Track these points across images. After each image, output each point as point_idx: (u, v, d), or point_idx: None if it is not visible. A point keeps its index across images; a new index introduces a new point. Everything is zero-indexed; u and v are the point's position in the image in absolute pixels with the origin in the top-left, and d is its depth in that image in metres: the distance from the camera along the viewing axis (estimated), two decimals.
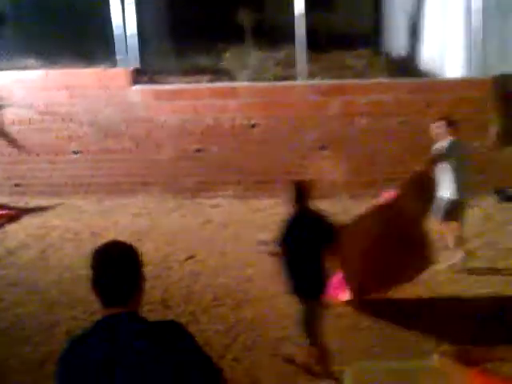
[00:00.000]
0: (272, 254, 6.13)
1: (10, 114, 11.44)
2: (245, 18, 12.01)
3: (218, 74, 11.93)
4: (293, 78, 11.52)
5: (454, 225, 8.27)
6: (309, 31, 11.21)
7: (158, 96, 11.36)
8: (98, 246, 2.85)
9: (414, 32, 13.19)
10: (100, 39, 11.90)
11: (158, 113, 11.30)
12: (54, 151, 11.46)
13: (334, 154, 10.74)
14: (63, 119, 11.41)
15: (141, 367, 2.69)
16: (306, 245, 5.90)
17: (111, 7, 11.41)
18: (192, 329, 5.77)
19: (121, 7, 11.42)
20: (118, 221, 10.22)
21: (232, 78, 11.79)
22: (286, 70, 11.72)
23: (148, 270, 7.28)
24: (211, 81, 11.75)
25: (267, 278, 7.73)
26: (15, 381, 6.10)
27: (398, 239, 7.22)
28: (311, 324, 5.94)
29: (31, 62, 11.95)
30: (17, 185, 11.60)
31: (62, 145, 11.42)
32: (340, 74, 11.51)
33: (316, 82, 11.35)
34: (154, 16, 11.91)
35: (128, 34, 11.57)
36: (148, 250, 8.83)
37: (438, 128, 8.11)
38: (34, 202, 11.14)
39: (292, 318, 6.21)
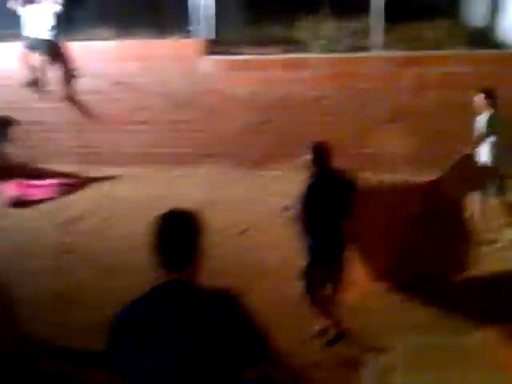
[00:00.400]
0: (294, 220, 6.07)
1: (83, 84, 11.51)
2: None
3: (291, 44, 11.67)
4: (367, 49, 11.17)
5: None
6: (385, 1, 10.84)
7: (230, 67, 11.26)
8: (162, 213, 2.88)
9: (495, 1, 12.55)
10: (175, 10, 11.86)
11: (229, 84, 11.19)
12: (123, 121, 11.51)
13: (404, 128, 10.33)
14: (134, 89, 11.44)
15: (188, 334, 2.72)
16: (330, 206, 5.92)
17: None
18: (245, 299, 5.50)
19: None
20: (181, 191, 10.15)
21: (305, 48, 11.52)
22: (361, 41, 11.34)
23: (209, 240, 7.08)
24: (284, 52, 11.52)
25: None
26: (70, 344, 6.14)
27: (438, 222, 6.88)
28: (313, 280, 6.13)
29: (105, 32, 12.00)
30: (86, 153, 11.74)
31: (132, 114, 11.49)
32: (416, 45, 11.04)
33: (390, 53, 10.95)
34: None
35: (203, 4, 11.47)
36: (209, 221, 8.72)
37: (477, 101, 8.07)
38: (101, 171, 11.22)
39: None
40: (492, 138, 7.97)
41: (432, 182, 7.22)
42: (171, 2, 11.87)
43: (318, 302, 6.25)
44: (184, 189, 10.33)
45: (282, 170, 10.55)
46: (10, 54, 11.49)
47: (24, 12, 11.29)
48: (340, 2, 11.29)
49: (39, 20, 11.16)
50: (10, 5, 11.17)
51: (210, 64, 11.26)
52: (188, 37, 11.57)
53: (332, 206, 5.96)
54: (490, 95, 8.00)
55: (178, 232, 2.85)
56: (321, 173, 6.01)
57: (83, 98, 11.53)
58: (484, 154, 8.06)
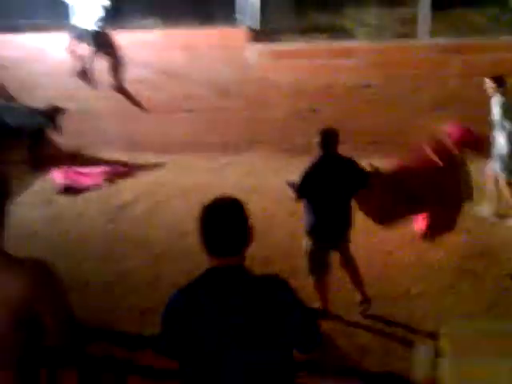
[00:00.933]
0: (297, 199, 6.36)
1: (130, 73, 11.65)
2: None
3: (336, 32, 11.64)
4: (413, 36, 11.08)
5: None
6: None
7: (274, 55, 11.26)
8: (209, 201, 2.94)
9: None
10: None
11: (273, 72, 11.18)
12: (168, 109, 11.61)
13: (451, 115, 10.24)
14: (180, 78, 11.52)
15: (243, 319, 2.79)
16: (333, 189, 6.17)
17: None
18: (292, 284, 5.59)
19: None
20: (227, 178, 10.24)
21: (350, 36, 11.48)
22: (407, 29, 11.25)
23: (255, 227, 7.13)
24: (329, 40, 11.50)
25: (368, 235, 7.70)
26: (120, 329, 6.27)
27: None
28: (316, 260, 6.43)
29: (153, 22, 12.09)
30: (132, 141, 11.86)
31: (177, 103, 11.56)
32: (464, 32, 10.93)
33: (438, 40, 10.85)
34: None
35: None
36: (254, 208, 8.77)
37: (487, 85, 8.29)
38: (147, 159, 11.33)
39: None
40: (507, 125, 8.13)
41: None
42: None
43: (321, 285, 6.55)
44: (230, 176, 10.42)
45: None
46: (58, 44, 11.64)
47: (72, 2, 11.47)
48: None
49: (87, 10, 11.33)
50: None
51: (256, 52, 11.27)
52: (233, 25, 11.59)
53: (332, 190, 6.18)
54: (499, 81, 8.18)
55: (229, 219, 2.88)
56: (324, 157, 6.26)
57: (131, 87, 11.67)
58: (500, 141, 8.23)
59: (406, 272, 7.39)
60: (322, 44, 11.40)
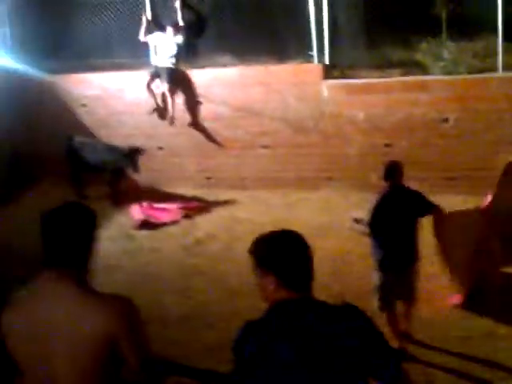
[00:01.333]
0: (365, 234, 6.46)
1: (206, 110, 11.86)
2: (441, 8, 11.53)
3: (410, 67, 11.58)
4: (490, 70, 10.93)
5: None
6: (508, 21, 10.57)
7: (349, 91, 11.29)
8: (271, 233, 2.92)
9: None
10: (293, 35, 12.00)
11: (348, 107, 11.22)
12: (244, 146, 11.75)
13: None
14: (255, 115, 11.66)
15: (325, 351, 2.69)
16: (401, 220, 6.25)
17: (309, 4, 11.46)
18: None
19: (313, 4, 11.43)
20: (301, 215, 10.23)
21: (425, 71, 11.40)
22: (483, 62, 11.11)
23: (328, 265, 7.26)
24: (403, 74, 11.45)
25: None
26: (197, 363, 6.30)
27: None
28: (388, 293, 6.42)
29: (228, 59, 12.28)
30: (208, 177, 12.08)
31: (253, 139, 11.70)
32: None
33: None
34: (347, 10, 11.79)
35: (321, 29, 11.56)
36: (330, 245, 8.82)
37: None
38: (223, 195, 11.46)
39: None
40: None
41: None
42: (291, 28, 12.01)
43: (393, 320, 6.52)
44: (304, 212, 10.41)
45: None
46: (138, 82, 11.98)
47: (151, 42, 11.81)
48: (460, 23, 11.15)
49: (163, 49, 11.65)
50: (141, 37, 11.72)
51: (329, 88, 11.33)
52: (308, 61, 11.68)
53: (400, 221, 6.27)
54: None
55: (295, 252, 2.83)
56: (391, 189, 6.42)
57: (206, 123, 11.87)
58: None
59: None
60: (396, 78, 11.34)
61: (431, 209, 6.53)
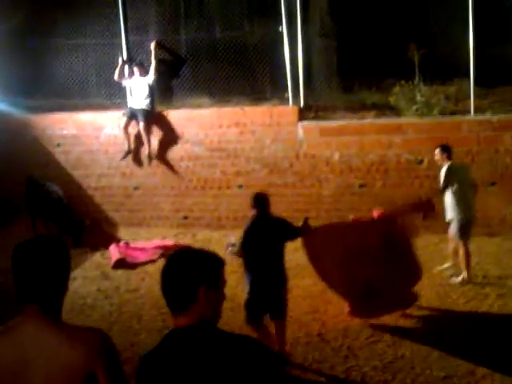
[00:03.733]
0: (238, 255, 6.94)
1: (182, 150, 11.92)
2: (414, 52, 11.81)
3: (384, 109, 11.80)
4: (462, 112, 11.17)
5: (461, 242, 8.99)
6: (479, 65, 10.89)
7: (324, 132, 11.43)
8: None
9: None
10: (268, 78, 12.19)
11: (323, 148, 11.35)
12: (220, 185, 11.80)
13: (504, 190, 10.22)
14: (231, 155, 11.74)
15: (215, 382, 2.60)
16: (268, 244, 6.81)
17: (284, 46, 11.66)
18: (349, 363, 5.69)
19: (288, 47, 11.63)
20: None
21: (399, 113, 11.61)
22: (455, 105, 11.36)
23: (306, 304, 7.29)
24: (377, 117, 11.65)
25: (432, 316, 7.89)
26: None
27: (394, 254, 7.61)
28: (254, 311, 6.90)
29: (204, 100, 12.40)
30: (185, 217, 12.05)
31: (228, 179, 11.74)
32: (507, 109, 10.99)
33: (486, 116, 10.92)
34: (321, 53, 12.03)
35: (296, 71, 11.74)
36: (306, 284, 8.85)
37: (436, 155, 9.16)
38: (200, 234, 11.45)
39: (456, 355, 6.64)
40: (450, 189, 8.86)
41: (388, 217, 8.09)
42: (266, 70, 12.20)
43: (260, 331, 6.86)
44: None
45: None
46: (113, 122, 12.04)
47: (126, 83, 11.91)
48: (432, 67, 11.41)
49: (138, 90, 11.74)
50: (117, 78, 11.82)
51: (305, 129, 11.48)
52: (283, 103, 11.83)
53: (267, 245, 6.82)
54: (445, 149, 9.04)
55: (175, 271, 2.77)
56: (259, 217, 7.01)
57: (182, 163, 11.93)
58: (447, 202, 8.98)
59: None
60: (370, 120, 11.53)
61: (296, 234, 7.26)
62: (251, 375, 2.59)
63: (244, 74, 12.32)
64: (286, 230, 7.09)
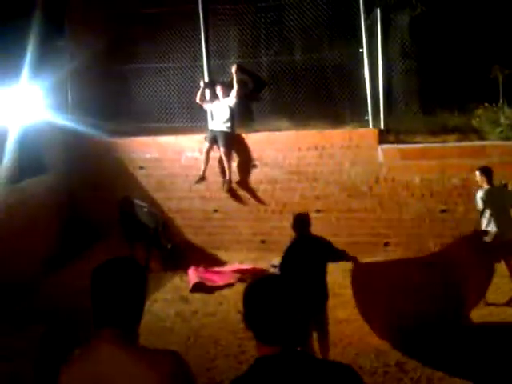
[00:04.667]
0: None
1: (261, 173, 11.95)
2: (497, 73, 11.52)
3: (467, 132, 11.54)
4: None
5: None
6: None
7: (404, 155, 11.28)
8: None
9: None
10: (348, 100, 12.11)
11: (403, 172, 11.20)
12: (299, 209, 11.69)
13: None
14: (310, 178, 11.70)
15: None
16: (310, 264, 7.05)
17: (364, 69, 11.61)
18: None
19: (368, 69, 11.55)
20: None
21: (482, 136, 11.34)
22: None
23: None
24: (459, 140, 11.41)
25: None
26: None
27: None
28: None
29: (283, 123, 12.40)
30: (263, 241, 12.05)
31: (307, 203, 11.66)
32: None
33: None
34: (402, 74, 11.87)
35: (376, 94, 11.64)
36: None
37: (477, 177, 9.41)
38: (277, 258, 11.39)
39: None
40: (488, 211, 9.08)
41: (434, 254, 8.55)
42: (346, 92, 12.12)
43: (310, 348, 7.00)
44: None
45: None
46: (194, 146, 12.22)
47: (208, 107, 12.04)
48: None
49: (219, 113, 11.85)
50: (198, 101, 11.97)
51: (385, 152, 11.34)
52: (362, 126, 11.73)
53: (308, 265, 7.02)
54: (484, 172, 9.26)
55: (267, 305, 2.71)
56: (299, 238, 7.38)
57: (261, 186, 11.96)
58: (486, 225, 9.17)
59: None
60: (452, 144, 11.31)
61: (338, 255, 7.55)
62: None
63: (323, 96, 12.27)
64: (326, 251, 7.39)
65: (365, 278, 7.93)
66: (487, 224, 9.12)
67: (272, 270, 7.88)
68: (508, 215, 9.20)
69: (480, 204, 9.17)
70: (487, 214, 9.10)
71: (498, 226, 9.04)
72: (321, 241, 7.48)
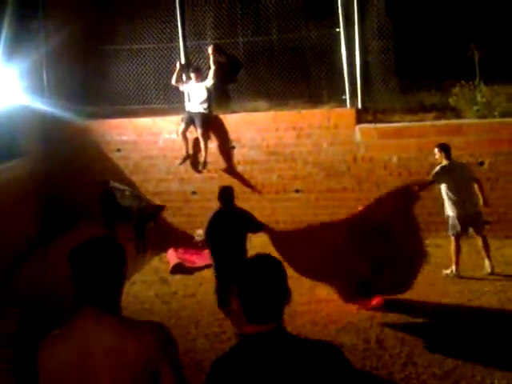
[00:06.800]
0: (203, 244, 8.12)
1: (239, 154, 11.92)
2: (474, 51, 11.55)
3: (444, 111, 11.56)
4: None
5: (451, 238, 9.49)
6: None
7: (382, 135, 11.30)
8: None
9: None
10: (325, 80, 12.11)
11: (381, 152, 11.22)
12: (277, 190, 11.75)
13: None
14: (288, 159, 11.68)
15: None
16: (230, 234, 7.55)
17: (341, 48, 11.58)
18: (408, 371, 5.62)
19: (345, 48, 11.53)
20: None
21: (459, 115, 11.38)
22: None
23: None
24: (437, 118, 11.43)
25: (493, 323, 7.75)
26: None
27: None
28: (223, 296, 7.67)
29: (261, 104, 12.36)
30: None
31: (285, 184, 11.68)
32: None
33: None
34: (379, 54, 11.87)
35: (354, 73, 11.62)
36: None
37: (435, 154, 9.60)
38: (256, 238, 11.30)
39: None
40: (446, 186, 9.32)
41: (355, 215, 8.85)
42: (323, 72, 12.12)
43: (232, 315, 7.61)
44: None
45: (441, 237, 10.17)
46: (172, 127, 12.11)
47: (185, 88, 11.96)
48: (493, 66, 11.16)
49: (196, 94, 11.77)
50: (174, 83, 11.89)
51: (363, 132, 11.35)
52: (340, 106, 11.72)
53: (229, 236, 7.56)
54: (443, 149, 9.44)
55: (263, 280, 2.73)
56: (222, 210, 7.87)
57: (239, 167, 11.92)
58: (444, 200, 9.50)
59: None
60: (429, 122, 11.33)
61: (258, 228, 8.16)
62: (326, 379, 2.61)
63: (301, 76, 12.25)
64: (246, 222, 7.91)
65: (290, 244, 8.21)
66: (447, 202, 9.43)
67: (196, 238, 8.58)
68: (469, 190, 9.37)
69: (431, 176, 9.36)
70: (444, 189, 9.35)
71: (459, 200, 9.25)
72: (242, 212, 8.08)
